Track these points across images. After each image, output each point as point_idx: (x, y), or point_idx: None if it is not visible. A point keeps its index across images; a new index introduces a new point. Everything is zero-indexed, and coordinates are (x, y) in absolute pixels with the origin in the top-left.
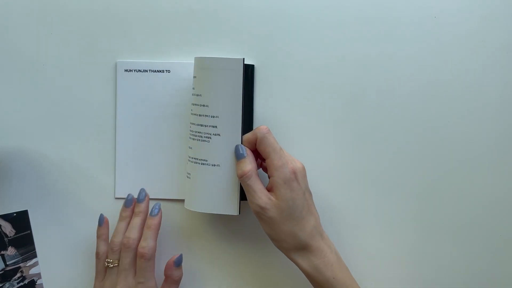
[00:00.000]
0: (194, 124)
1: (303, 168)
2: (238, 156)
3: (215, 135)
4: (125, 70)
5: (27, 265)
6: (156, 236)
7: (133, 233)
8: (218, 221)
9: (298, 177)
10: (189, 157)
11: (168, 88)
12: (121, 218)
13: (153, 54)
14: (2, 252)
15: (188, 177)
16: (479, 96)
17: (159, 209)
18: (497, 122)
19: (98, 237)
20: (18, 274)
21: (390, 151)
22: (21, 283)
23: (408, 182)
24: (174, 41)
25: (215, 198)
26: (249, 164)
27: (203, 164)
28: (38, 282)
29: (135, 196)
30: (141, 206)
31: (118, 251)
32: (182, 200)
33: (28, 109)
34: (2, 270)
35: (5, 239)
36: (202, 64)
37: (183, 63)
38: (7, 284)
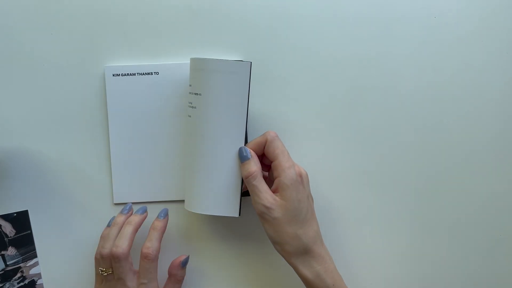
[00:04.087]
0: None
1: (307, 175)
2: (242, 158)
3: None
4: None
5: (27, 265)
6: (160, 238)
7: (123, 242)
8: (217, 222)
9: (303, 180)
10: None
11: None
12: (113, 224)
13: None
14: (3, 252)
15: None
16: (479, 96)
17: (167, 214)
18: (497, 122)
19: (101, 238)
20: (18, 274)
21: (389, 151)
22: (21, 283)
23: (407, 182)
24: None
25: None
26: (254, 165)
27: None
28: (38, 282)
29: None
30: (137, 217)
31: (109, 259)
32: (180, 201)
33: (28, 110)
34: (3, 270)
35: (5, 239)
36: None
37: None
38: (7, 284)
